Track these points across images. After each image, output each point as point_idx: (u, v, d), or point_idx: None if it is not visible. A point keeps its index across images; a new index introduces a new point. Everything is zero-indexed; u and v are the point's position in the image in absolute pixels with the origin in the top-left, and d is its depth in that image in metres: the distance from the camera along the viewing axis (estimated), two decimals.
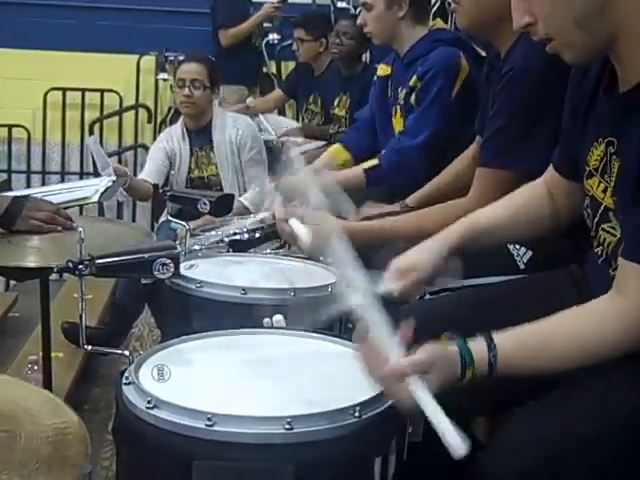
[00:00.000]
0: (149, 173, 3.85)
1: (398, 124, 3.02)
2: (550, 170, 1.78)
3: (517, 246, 2.00)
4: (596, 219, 1.53)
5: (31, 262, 1.99)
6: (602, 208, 1.51)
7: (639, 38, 1.37)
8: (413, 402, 1.29)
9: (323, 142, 4.82)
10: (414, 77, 2.89)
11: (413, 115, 2.88)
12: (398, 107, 3.01)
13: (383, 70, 3.20)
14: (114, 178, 2.94)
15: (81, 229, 1.76)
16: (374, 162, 2.89)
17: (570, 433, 1.29)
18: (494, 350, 1.35)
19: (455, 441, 1.22)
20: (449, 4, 4.32)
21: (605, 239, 1.50)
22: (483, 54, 2.91)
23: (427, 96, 2.84)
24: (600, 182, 1.51)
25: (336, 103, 4.76)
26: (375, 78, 3.30)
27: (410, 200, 2.66)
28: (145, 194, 3.71)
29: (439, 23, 3.13)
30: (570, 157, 1.68)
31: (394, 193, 2.80)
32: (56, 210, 2.14)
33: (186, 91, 3.85)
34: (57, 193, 2.76)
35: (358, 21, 3.11)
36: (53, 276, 2.24)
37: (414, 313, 1.76)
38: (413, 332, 1.34)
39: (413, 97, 2.89)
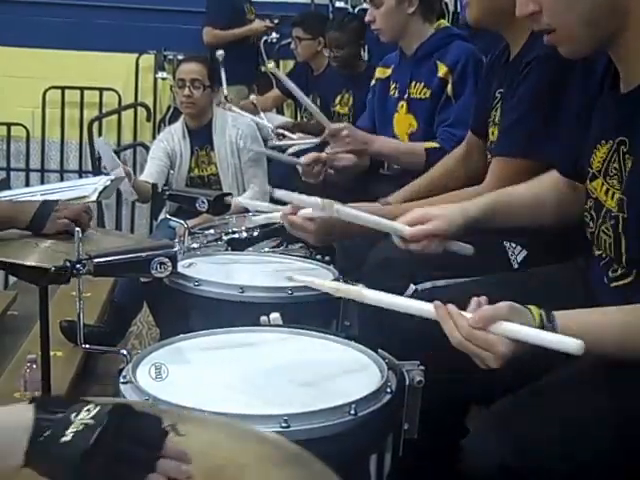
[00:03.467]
0: (150, 174, 3.85)
1: (402, 120, 3.02)
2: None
3: (512, 244, 2.01)
4: (599, 221, 1.52)
5: (31, 261, 1.98)
6: (604, 210, 1.50)
7: None
8: (506, 344, 1.27)
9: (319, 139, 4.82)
10: (442, 67, 2.90)
11: (457, 105, 2.88)
12: (404, 103, 3.02)
13: (382, 72, 3.21)
14: (112, 177, 2.95)
15: (78, 228, 1.76)
16: (435, 144, 2.89)
17: (553, 428, 1.29)
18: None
19: (571, 344, 1.23)
20: (446, 5, 4.34)
21: (605, 240, 1.50)
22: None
23: (467, 84, 2.85)
24: (603, 184, 1.51)
25: (338, 101, 4.74)
26: (373, 82, 3.31)
27: (393, 198, 2.57)
28: (146, 195, 3.71)
29: (443, 23, 3.13)
30: (573, 157, 1.69)
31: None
32: (85, 209, 2.15)
33: (186, 91, 3.85)
34: (55, 192, 2.77)
35: (366, 18, 3.09)
36: None
37: None
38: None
39: (450, 88, 2.89)
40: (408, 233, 1.65)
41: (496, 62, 2.29)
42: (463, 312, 1.33)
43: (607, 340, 1.33)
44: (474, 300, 1.34)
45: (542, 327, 1.30)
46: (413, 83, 2.99)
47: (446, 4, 4.33)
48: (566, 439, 1.26)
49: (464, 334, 1.30)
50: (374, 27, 3.05)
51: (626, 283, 1.49)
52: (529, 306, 1.33)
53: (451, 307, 1.34)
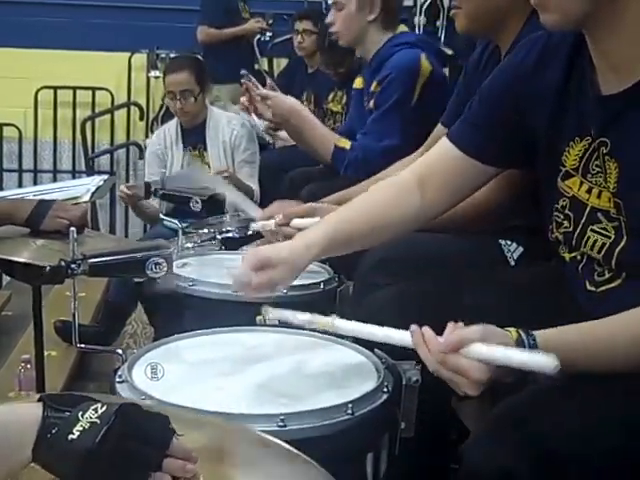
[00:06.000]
0: None
1: None
2: (438, 155, 1.72)
3: (508, 242, 2.01)
4: (583, 220, 1.50)
5: (25, 258, 1.98)
6: (588, 209, 1.48)
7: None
8: (480, 370, 1.23)
9: None
10: (374, 82, 2.92)
11: (373, 116, 2.90)
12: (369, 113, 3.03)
13: (358, 83, 3.22)
14: (106, 177, 2.94)
15: (73, 228, 1.76)
16: (347, 144, 2.92)
17: (557, 431, 1.28)
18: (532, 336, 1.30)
19: (544, 363, 1.19)
20: (441, 1, 4.34)
21: (596, 241, 1.47)
22: (449, 52, 2.92)
23: (388, 100, 2.86)
24: (583, 182, 1.49)
25: (330, 98, 4.72)
26: (353, 92, 3.32)
27: (330, 199, 2.47)
28: (150, 215, 3.72)
29: (402, 28, 3.14)
30: (493, 143, 1.65)
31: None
32: (83, 211, 2.17)
33: (178, 104, 3.82)
34: (49, 192, 2.76)
35: (327, 19, 3.10)
36: None
37: (390, 299, 1.75)
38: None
39: (372, 102, 2.92)
40: (255, 283, 1.55)
41: (487, 62, 2.27)
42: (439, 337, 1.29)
43: (595, 357, 1.31)
44: (449, 325, 1.29)
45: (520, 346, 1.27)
46: (366, 97, 3.02)
47: (441, 0, 4.33)
48: (570, 442, 1.25)
49: (437, 359, 1.27)
50: (333, 29, 3.05)
51: (614, 287, 1.47)
52: (508, 328, 1.30)
53: (426, 331, 1.30)
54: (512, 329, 1.30)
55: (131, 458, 0.98)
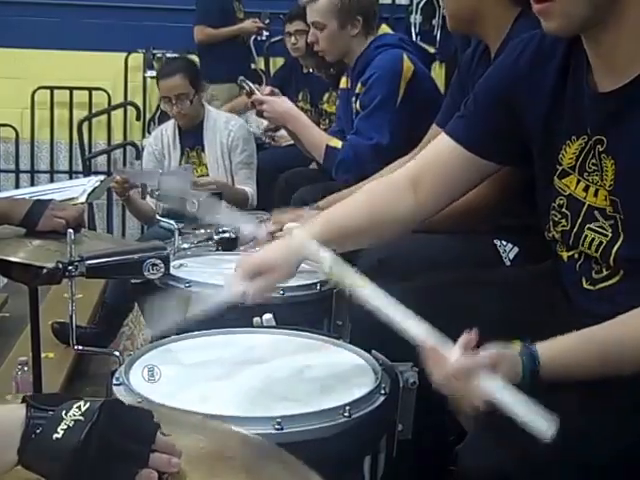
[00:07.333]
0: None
1: None
2: (435, 153, 1.72)
3: (504, 242, 2.01)
4: (580, 219, 1.50)
5: (21, 258, 1.98)
6: (585, 207, 1.48)
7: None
8: (483, 397, 1.24)
9: None
10: (359, 84, 2.93)
11: (361, 116, 2.91)
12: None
13: (344, 83, 3.23)
14: (102, 178, 2.94)
15: (71, 230, 1.76)
16: (338, 144, 2.93)
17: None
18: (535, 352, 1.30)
19: (542, 425, 1.19)
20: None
21: (594, 239, 1.47)
22: (432, 51, 2.94)
23: (373, 99, 2.88)
24: (580, 181, 1.49)
25: (325, 99, 4.74)
26: (339, 91, 3.33)
27: (324, 203, 2.52)
28: (145, 214, 3.72)
29: (384, 29, 3.14)
30: (492, 140, 1.66)
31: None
32: (80, 212, 2.17)
33: (175, 109, 3.81)
34: (45, 193, 2.76)
35: (309, 39, 3.11)
36: None
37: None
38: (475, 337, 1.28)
39: (358, 103, 2.94)
40: (252, 290, 1.57)
41: (479, 62, 2.27)
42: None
43: (601, 364, 1.31)
44: (462, 338, 1.28)
45: (522, 358, 1.28)
46: (354, 99, 3.03)
47: None
48: (565, 442, 1.25)
49: (444, 379, 1.27)
50: (317, 49, 3.06)
51: (612, 284, 1.47)
52: (514, 343, 1.30)
53: (439, 350, 1.29)
54: (516, 342, 1.30)
55: (117, 454, 0.96)
